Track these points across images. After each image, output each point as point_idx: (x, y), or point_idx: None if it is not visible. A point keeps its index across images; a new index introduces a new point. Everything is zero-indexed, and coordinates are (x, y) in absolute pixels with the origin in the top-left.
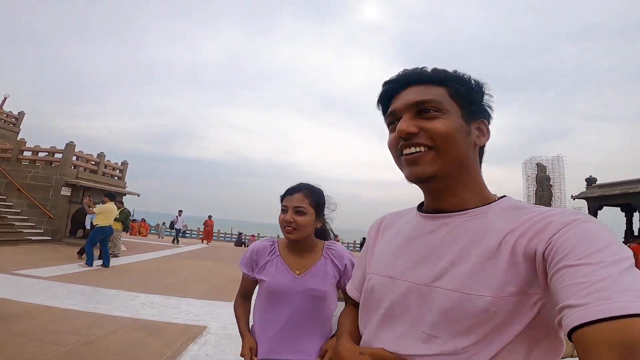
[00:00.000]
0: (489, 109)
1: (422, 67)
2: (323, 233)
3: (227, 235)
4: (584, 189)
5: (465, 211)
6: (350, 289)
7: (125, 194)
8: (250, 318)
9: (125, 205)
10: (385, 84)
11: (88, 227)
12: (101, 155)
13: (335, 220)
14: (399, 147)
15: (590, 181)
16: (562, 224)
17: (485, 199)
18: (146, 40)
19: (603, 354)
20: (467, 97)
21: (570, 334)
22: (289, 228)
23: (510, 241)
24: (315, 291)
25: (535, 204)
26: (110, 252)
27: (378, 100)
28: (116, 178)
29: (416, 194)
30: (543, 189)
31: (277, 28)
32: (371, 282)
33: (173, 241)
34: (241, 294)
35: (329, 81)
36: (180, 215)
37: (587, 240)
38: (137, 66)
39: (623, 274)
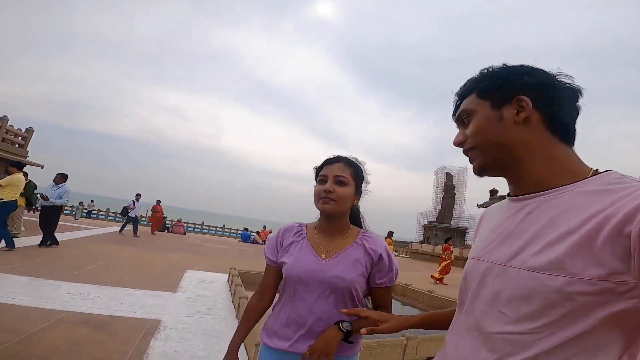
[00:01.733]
0: (531, 83)
1: (464, 83)
2: (355, 218)
3: (142, 219)
4: (487, 199)
5: (547, 191)
6: None
7: (25, 165)
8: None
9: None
10: (453, 107)
11: None
12: (3, 120)
13: (265, 211)
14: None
15: (493, 192)
16: None
17: (572, 174)
18: (68, 5)
19: None
20: (490, 89)
21: None
22: (327, 198)
23: (595, 221)
24: (340, 279)
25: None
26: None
27: (453, 119)
28: (17, 145)
29: None
30: (448, 196)
31: (225, 11)
32: (466, 266)
33: (120, 231)
34: (259, 292)
35: (268, 72)
36: (137, 200)
37: None
38: (52, 32)
39: None
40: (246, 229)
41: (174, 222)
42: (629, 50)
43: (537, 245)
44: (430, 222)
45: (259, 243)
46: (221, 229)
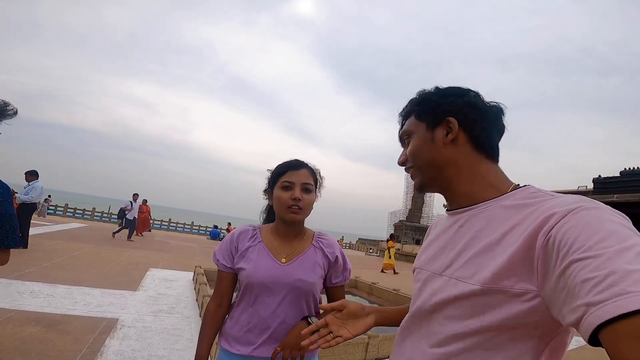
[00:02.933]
0: (459, 105)
1: (406, 104)
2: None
3: (104, 215)
4: None
5: (474, 206)
6: None
7: None
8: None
9: None
10: (399, 126)
11: None
12: None
13: (236, 208)
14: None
15: None
16: (562, 214)
17: (496, 190)
18: None
19: (629, 348)
20: (425, 112)
21: (594, 334)
22: (296, 208)
23: (512, 234)
24: (303, 283)
25: (410, 209)
26: None
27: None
28: None
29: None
30: (418, 196)
31: (202, 3)
32: (414, 274)
33: (113, 235)
34: (216, 299)
35: (245, 67)
36: (135, 201)
37: (589, 229)
38: (15, 20)
39: (632, 262)
40: (216, 227)
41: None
42: (588, 57)
43: (464, 256)
44: (400, 221)
45: None
46: (189, 226)
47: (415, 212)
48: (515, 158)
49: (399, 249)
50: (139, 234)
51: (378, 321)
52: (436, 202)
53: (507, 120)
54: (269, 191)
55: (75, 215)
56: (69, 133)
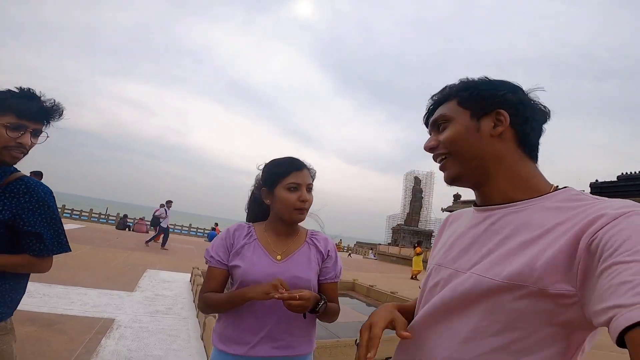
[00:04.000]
0: (511, 99)
1: (442, 88)
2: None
3: (101, 217)
4: (451, 204)
5: (511, 204)
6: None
7: None
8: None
9: None
10: (426, 110)
11: None
12: None
13: (234, 210)
14: (434, 159)
15: (457, 197)
16: (612, 217)
17: (536, 190)
18: None
19: None
20: (472, 99)
21: (621, 335)
22: (304, 209)
23: (553, 234)
24: (299, 280)
25: (408, 213)
26: None
27: (424, 122)
28: None
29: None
30: (416, 199)
31: (203, 5)
32: (428, 271)
33: (147, 243)
34: (206, 291)
35: (243, 68)
36: (169, 208)
37: (637, 236)
38: (8, 18)
39: None
40: (213, 229)
41: (136, 220)
42: (585, 61)
43: (496, 254)
44: (398, 224)
45: None
46: (187, 228)
47: (413, 216)
48: None
49: (395, 253)
50: (157, 241)
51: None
52: (434, 206)
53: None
54: (264, 189)
55: (73, 216)
56: (64, 134)
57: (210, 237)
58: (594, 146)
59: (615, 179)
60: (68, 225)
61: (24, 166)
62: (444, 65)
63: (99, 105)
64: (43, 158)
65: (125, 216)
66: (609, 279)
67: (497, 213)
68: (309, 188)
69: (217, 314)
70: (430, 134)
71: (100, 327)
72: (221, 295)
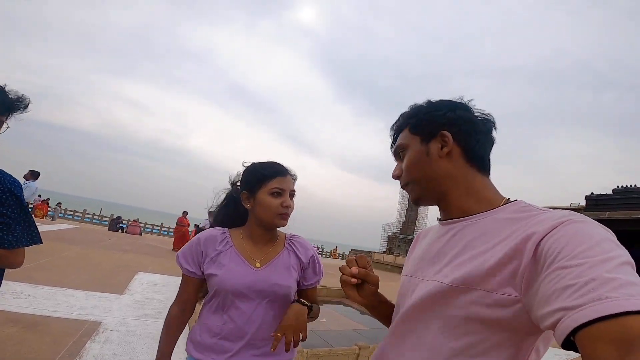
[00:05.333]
0: (452, 118)
1: (398, 118)
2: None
3: (95, 217)
4: None
5: (468, 217)
6: None
7: None
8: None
9: None
10: (391, 140)
11: None
12: None
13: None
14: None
15: None
16: (551, 226)
17: (488, 203)
18: None
19: (603, 351)
20: (419, 125)
21: (568, 337)
22: (287, 214)
23: (503, 244)
24: (279, 287)
25: (404, 221)
26: None
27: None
28: None
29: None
30: (412, 208)
31: (206, 6)
32: (401, 282)
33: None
34: (180, 304)
35: (245, 72)
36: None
37: (576, 240)
38: (16, 15)
39: (613, 271)
40: None
41: (129, 222)
42: (584, 72)
43: (454, 263)
44: (394, 233)
45: None
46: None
47: (409, 224)
48: (509, 174)
49: (391, 262)
50: (175, 249)
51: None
52: (430, 215)
53: (505, 134)
54: (244, 193)
55: (66, 216)
56: (62, 133)
57: None
58: (591, 158)
59: (610, 192)
60: (60, 225)
61: (21, 167)
62: (444, 73)
63: (98, 105)
64: (38, 156)
65: (119, 217)
66: (552, 283)
67: (457, 226)
68: (292, 194)
69: (196, 319)
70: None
71: (86, 329)
72: (170, 337)
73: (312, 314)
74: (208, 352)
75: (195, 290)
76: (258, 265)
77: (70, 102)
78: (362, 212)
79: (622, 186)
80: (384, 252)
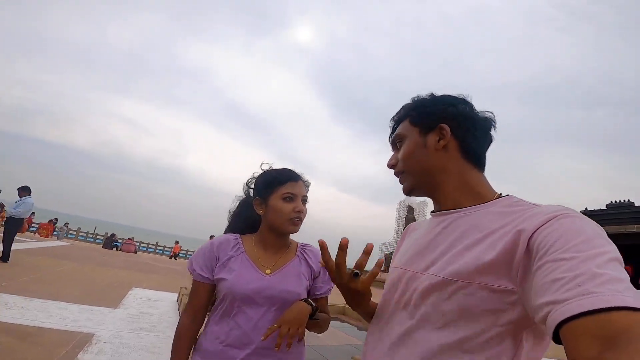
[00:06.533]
0: (452, 113)
1: (399, 109)
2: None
3: (89, 235)
4: None
5: (460, 209)
6: None
7: None
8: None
9: None
10: (390, 131)
11: None
12: None
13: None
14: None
15: None
16: (545, 219)
17: (481, 197)
18: (39, 6)
19: (586, 345)
20: (419, 117)
21: (556, 331)
22: (298, 220)
23: (496, 236)
24: (289, 294)
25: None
26: None
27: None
28: None
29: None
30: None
31: (205, 26)
32: (391, 274)
33: None
34: (190, 313)
35: (242, 91)
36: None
37: (568, 235)
38: (16, 31)
39: (602, 267)
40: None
41: (124, 240)
42: (575, 89)
43: (447, 255)
44: (391, 252)
45: None
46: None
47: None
48: (503, 191)
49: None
50: None
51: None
52: None
53: (500, 153)
54: (257, 199)
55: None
56: (57, 150)
57: None
58: (583, 175)
59: (604, 207)
60: (54, 242)
61: (13, 183)
62: (439, 91)
63: (94, 123)
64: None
65: (114, 235)
66: (542, 276)
67: (448, 218)
68: (304, 200)
69: (201, 328)
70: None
71: (79, 341)
72: (180, 349)
73: (318, 318)
74: (213, 359)
75: (206, 297)
76: (268, 271)
77: (67, 119)
78: (359, 232)
79: (615, 201)
80: (382, 271)
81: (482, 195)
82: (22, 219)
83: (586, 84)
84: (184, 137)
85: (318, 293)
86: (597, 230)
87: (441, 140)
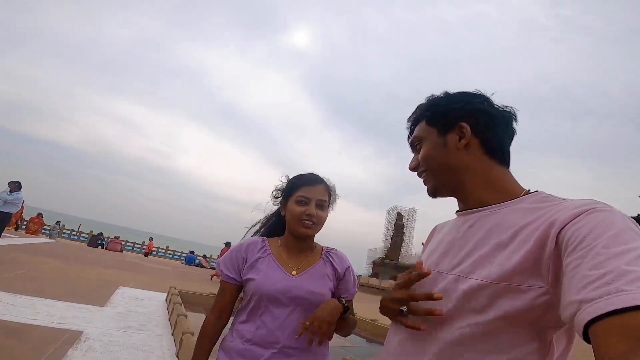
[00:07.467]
0: (469, 110)
1: (415, 109)
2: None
3: (73, 233)
4: None
5: (485, 207)
6: None
7: None
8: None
9: None
10: (408, 132)
11: None
12: None
13: (216, 237)
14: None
15: None
16: (574, 214)
17: (508, 194)
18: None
19: (615, 345)
20: (436, 117)
21: (585, 330)
22: (309, 222)
23: (523, 234)
24: (313, 295)
25: (389, 247)
26: None
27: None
28: None
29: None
30: (397, 234)
31: (202, 28)
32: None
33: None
34: (216, 312)
35: (236, 94)
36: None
37: (597, 230)
38: (5, 25)
39: (631, 264)
40: (192, 252)
41: (110, 239)
42: (565, 100)
43: (474, 255)
44: (380, 258)
45: (205, 267)
46: (163, 250)
47: (394, 250)
48: None
49: (376, 285)
50: (213, 279)
51: None
52: (415, 241)
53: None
54: (282, 202)
55: (43, 230)
56: (44, 147)
57: (188, 260)
58: (571, 186)
59: None
60: (38, 239)
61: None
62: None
63: (86, 120)
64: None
65: (100, 234)
66: (571, 274)
67: (473, 217)
68: (320, 204)
69: (228, 328)
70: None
71: (67, 338)
72: (203, 346)
73: (348, 319)
74: (238, 357)
75: (232, 298)
76: (294, 272)
77: (59, 117)
78: (349, 237)
79: None
80: (369, 277)
81: (509, 191)
82: (10, 213)
83: (575, 94)
84: (176, 138)
85: (343, 296)
86: (629, 224)
87: (462, 140)
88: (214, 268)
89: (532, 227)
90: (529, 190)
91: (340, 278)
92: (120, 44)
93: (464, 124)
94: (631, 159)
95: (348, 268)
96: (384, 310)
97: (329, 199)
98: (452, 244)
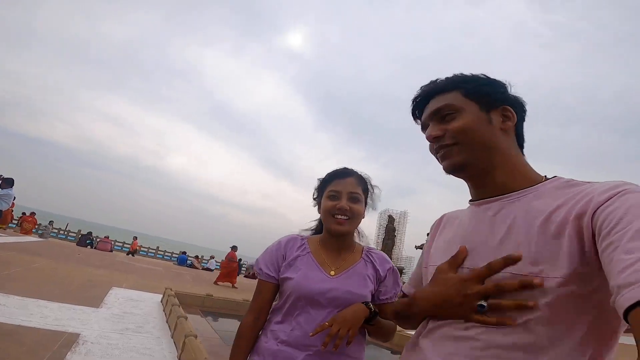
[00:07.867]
0: (510, 97)
1: (436, 79)
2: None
3: (60, 232)
4: (424, 241)
5: (507, 195)
6: (407, 286)
7: None
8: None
9: None
10: (414, 100)
11: None
12: None
13: (206, 238)
14: (435, 150)
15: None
16: (607, 197)
17: (530, 180)
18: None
19: None
20: (479, 93)
21: (625, 315)
22: (342, 218)
23: (555, 219)
24: (353, 295)
25: (381, 250)
26: None
27: (412, 116)
28: None
29: (286, 223)
30: (389, 238)
31: (198, 27)
32: (428, 273)
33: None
34: (253, 312)
35: (229, 93)
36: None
37: (631, 213)
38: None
39: None
40: (184, 253)
41: (100, 239)
42: (553, 106)
43: (504, 249)
44: None
45: (197, 268)
46: (154, 251)
47: (385, 253)
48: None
49: None
50: (217, 283)
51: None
52: (406, 244)
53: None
54: (317, 201)
55: (38, 231)
56: (32, 144)
57: (180, 261)
58: None
59: None
60: (25, 238)
61: None
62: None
63: (77, 117)
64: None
65: (90, 233)
66: (608, 259)
67: (495, 205)
68: (351, 196)
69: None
70: (423, 125)
71: (65, 341)
72: (241, 348)
73: (377, 323)
74: (271, 358)
75: (270, 297)
76: (333, 273)
77: (48, 114)
78: None
79: None
80: None
81: (531, 178)
82: (1, 210)
83: (564, 101)
84: (168, 137)
85: (383, 298)
86: None
87: (507, 122)
88: (206, 269)
89: (563, 212)
90: (546, 176)
91: (382, 280)
92: (115, 42)
93: (509, 107)
94: (618, 166)
95: (390, 269)
96: (441, 310)
97: (364, 190)
98: (477, 237)
